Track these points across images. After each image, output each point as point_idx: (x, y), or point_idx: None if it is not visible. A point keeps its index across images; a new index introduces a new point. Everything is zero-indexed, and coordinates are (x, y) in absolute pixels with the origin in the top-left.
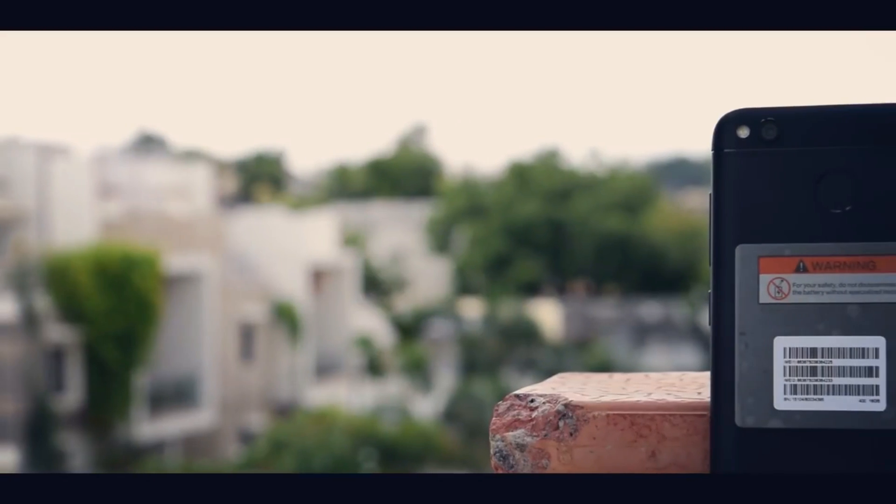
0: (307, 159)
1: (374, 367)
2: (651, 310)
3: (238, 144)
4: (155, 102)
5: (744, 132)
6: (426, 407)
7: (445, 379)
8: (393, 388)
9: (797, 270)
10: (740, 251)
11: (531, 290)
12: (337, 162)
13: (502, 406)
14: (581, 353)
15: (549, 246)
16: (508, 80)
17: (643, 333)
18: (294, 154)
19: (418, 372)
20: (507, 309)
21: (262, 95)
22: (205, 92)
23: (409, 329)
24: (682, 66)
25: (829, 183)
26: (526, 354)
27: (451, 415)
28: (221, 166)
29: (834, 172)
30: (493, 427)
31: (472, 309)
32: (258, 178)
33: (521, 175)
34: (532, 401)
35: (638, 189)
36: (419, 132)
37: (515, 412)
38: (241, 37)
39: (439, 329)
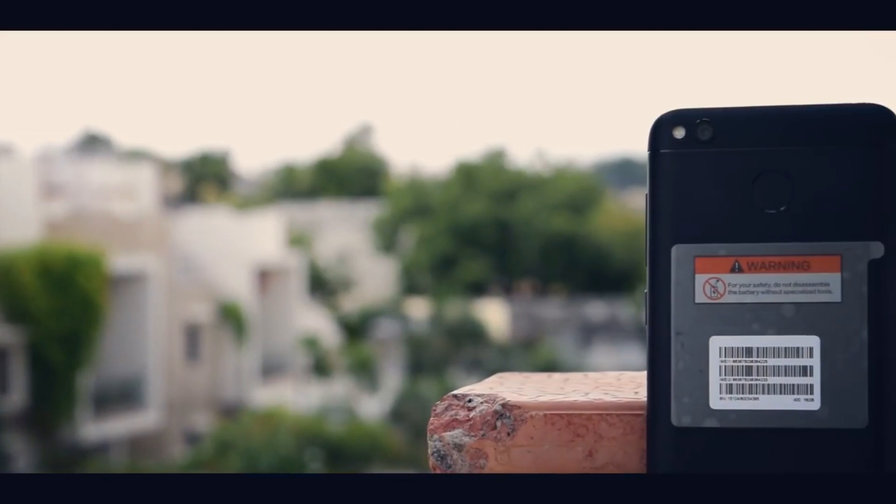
0: (253, 159)
1: (321, 368)
2: (597, 309)
3: (183, 144)
4: (100, 102)
5: (679, 133)
6: (372, 407)
7: (392, 379)
8: (339, 388)
9: (732, 270)
10: (676, 251)
11: (477, 290)
12: (283, 162)
13: (440, 406)
14: (527, 353)
15: (496, 246)
16: (455, 80)
17: (589, 333)
18: (240, 154)
19: (364, 372)
20: (454, 309)
21: (208, 95)
22: (150, 91)
23: (355, 329)
24: (628, 67)
25: (764, 183)
26: (472, 354)
27: (397, 415)
28: (167, 166)
29: (769, 173)
30: (431, 427)
31: (419, 309)
32: (204, 178)
33: (467, 175)
34: (470, 401)
35: (584, 189)
36: (365, 132)
37: (453, 412)
38: (187, 36)
39: (386, 329)
